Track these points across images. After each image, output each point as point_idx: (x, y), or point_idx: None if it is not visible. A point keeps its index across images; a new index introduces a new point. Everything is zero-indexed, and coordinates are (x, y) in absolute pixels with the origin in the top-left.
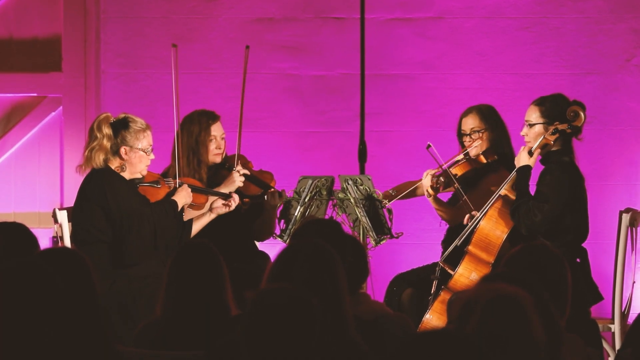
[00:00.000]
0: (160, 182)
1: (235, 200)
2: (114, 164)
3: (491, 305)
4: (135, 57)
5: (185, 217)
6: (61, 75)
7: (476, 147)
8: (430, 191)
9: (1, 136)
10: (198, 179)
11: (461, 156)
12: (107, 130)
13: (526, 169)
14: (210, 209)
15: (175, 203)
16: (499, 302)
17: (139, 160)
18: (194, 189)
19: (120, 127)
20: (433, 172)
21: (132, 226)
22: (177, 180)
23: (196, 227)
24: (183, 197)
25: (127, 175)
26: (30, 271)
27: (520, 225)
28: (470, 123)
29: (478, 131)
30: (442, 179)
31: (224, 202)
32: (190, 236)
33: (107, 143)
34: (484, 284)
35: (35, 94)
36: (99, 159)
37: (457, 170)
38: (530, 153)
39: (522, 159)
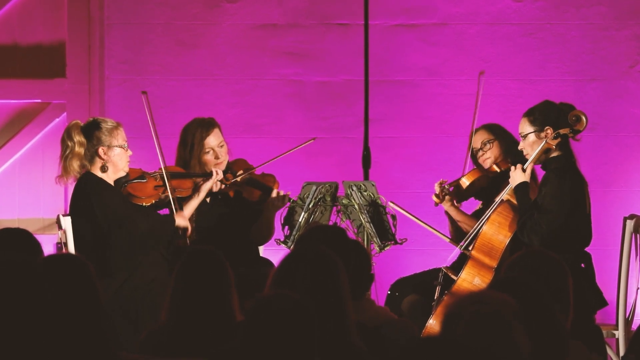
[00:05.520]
0: (145, 176)
1: (218, 175)
2: (96, 167)
3: (473, 317)
4: (139, 63)
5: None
6: (65, 82)
7: (489, 157)
8: (435, 199)
9: (5, 142)
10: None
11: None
12: (77, 137)
13: (523, 185)
14: (198, 191)
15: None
16: (480, 314)
17: (119, 157)
18: (177, 175)
19: (92, 129)
20: (444, 181)
21: (120, 233)
22: (162, 169)
23: (187, 211)
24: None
25: (111, 175)
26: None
27: (531, 240)
28: (479, 138)
29: (488, 142)
30: (450, 189)
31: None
32: None
33: (79, 149)
34: (467, 294)
35: (39, 100)
36: (74, 167)
37: (467, 178)
38: (523, 170)
39: (516, 178)
